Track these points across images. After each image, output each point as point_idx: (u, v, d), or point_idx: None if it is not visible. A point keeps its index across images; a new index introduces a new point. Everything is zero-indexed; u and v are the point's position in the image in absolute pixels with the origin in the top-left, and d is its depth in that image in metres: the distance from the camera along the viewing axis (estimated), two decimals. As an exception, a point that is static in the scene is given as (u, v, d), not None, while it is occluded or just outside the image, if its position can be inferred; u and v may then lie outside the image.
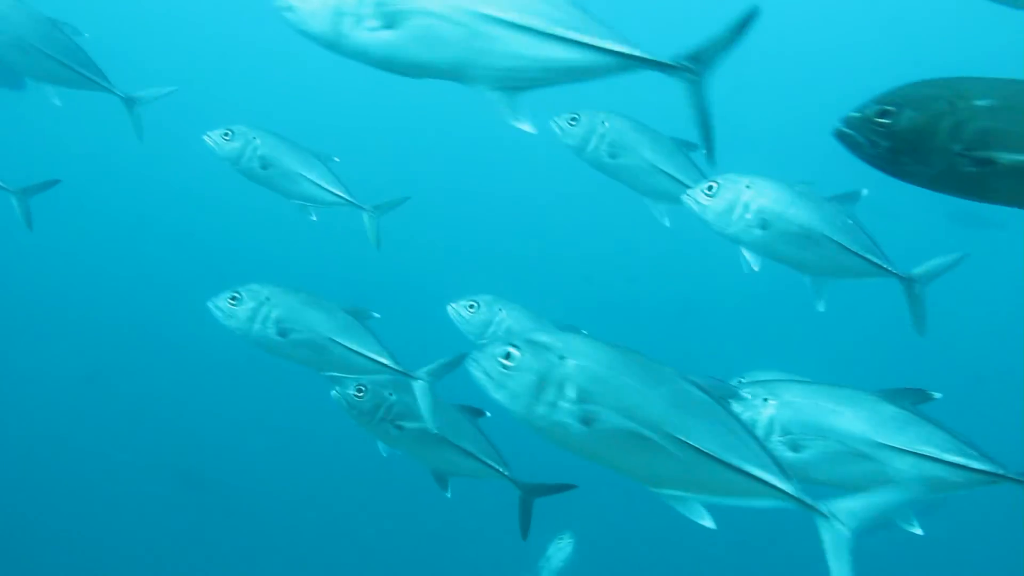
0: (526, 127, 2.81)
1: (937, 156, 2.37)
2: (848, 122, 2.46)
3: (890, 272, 4.33)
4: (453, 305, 5.36)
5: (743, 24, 2.65)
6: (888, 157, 2.42)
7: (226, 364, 14.32)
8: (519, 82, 2.83)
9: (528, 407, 2.77)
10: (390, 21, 2.73)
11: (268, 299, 4.53)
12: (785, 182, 4.35)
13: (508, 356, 2.78)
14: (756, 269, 4.38)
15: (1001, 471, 3.38)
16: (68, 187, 5.89)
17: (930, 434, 3.41)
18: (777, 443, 3.43)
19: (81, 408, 15.21)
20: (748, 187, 4.28)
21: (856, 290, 4.59)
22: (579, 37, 2.76)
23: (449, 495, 4.77)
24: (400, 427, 4.59)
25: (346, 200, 5.74)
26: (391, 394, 4.58)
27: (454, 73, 2.82)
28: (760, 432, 3.40)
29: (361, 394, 4.57)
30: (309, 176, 5.64)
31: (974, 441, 3.44)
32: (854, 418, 3.41)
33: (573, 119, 5.01)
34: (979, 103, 2.35)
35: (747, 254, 4.38)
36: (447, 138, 23.10)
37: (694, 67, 2.72)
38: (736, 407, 3.31)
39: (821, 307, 4.45)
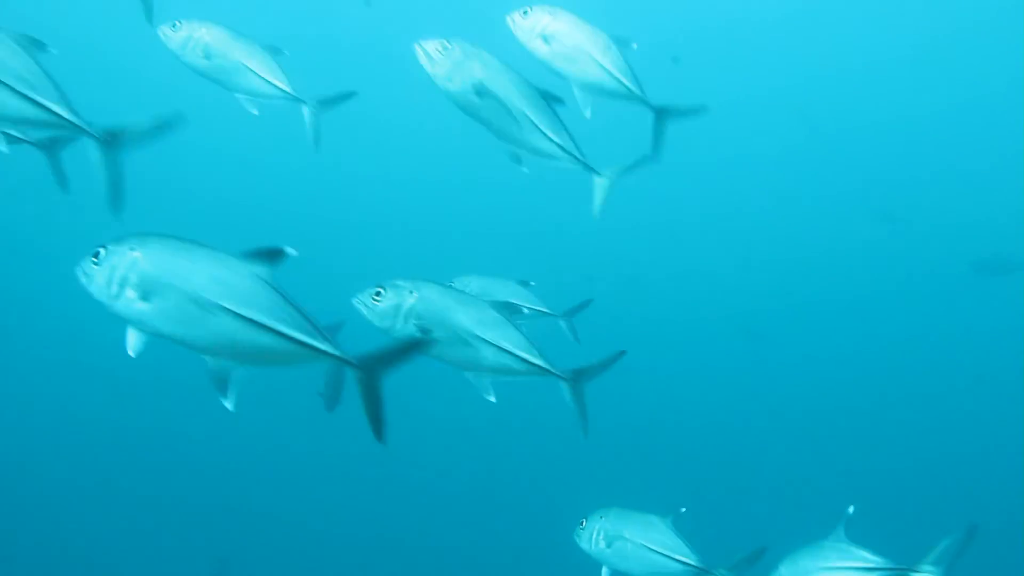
0: None
1: None
2: None
3: (640, 99, 5.19)
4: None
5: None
6: None
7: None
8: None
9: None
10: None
11: None
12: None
13: None
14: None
15: (548, 367, 4.40)
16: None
17: (512, 336, 4.44)
18: (412, 325, 4.49)
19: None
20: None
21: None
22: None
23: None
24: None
25: (288, 93, 5.81)
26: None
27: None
28: (402, 315, 4.46)
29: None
30: (252, 66, 5.70)
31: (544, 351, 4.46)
32: (464, 317, 4.45)
33: None
34: None
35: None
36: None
37: None
38: (389, 295, 4.44)
39: (587, 114, 5.20)
